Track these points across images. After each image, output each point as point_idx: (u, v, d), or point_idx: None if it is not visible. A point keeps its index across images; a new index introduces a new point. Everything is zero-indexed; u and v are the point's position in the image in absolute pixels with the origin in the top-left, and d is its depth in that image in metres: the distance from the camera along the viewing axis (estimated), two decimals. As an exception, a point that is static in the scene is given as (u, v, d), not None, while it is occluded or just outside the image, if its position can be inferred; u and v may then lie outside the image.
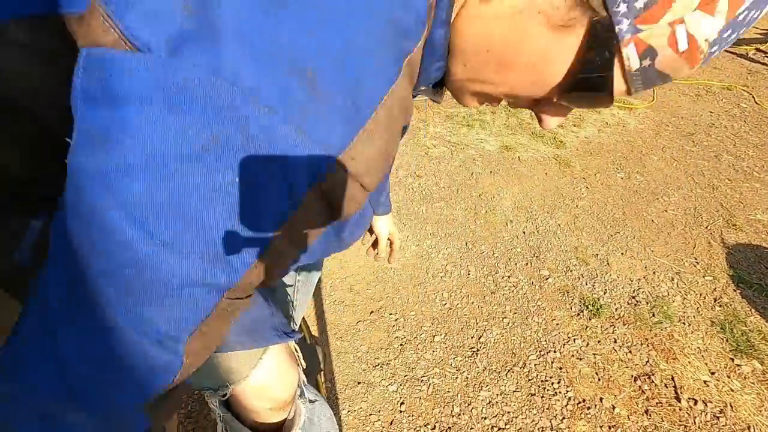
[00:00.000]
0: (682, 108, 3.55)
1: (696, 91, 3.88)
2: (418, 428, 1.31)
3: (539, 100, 0.42)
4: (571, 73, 0.37)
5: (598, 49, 0.34)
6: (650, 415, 1.40)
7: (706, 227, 2.27)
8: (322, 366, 1.29)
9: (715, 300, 1.84)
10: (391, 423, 1.31)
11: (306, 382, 0.82)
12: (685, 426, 1.38)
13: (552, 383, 1.47)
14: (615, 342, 1.62)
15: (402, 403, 1.37)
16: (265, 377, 0.71)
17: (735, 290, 1.89)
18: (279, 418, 0.75)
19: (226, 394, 0.70)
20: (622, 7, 0.32)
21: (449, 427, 1.32)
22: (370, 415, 1.33)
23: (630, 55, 0.34)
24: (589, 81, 0.36)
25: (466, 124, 2.96)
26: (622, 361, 1.56)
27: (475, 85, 0.43)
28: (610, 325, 1.69)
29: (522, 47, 0.36)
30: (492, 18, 0.36)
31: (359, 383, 1.41)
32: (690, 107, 3.57)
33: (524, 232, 2.11)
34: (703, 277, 1.95)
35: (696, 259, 2.05)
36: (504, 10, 0.35)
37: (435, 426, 1.32)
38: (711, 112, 3.53)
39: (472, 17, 0.37)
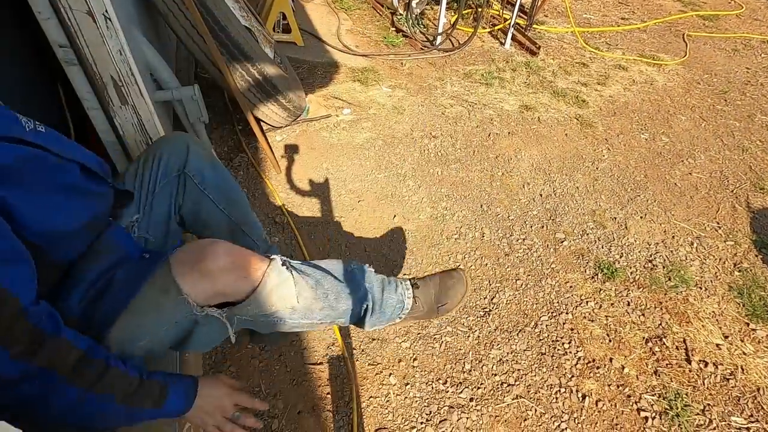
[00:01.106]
0: (716, 64, 3.34)
1: (733, 45, 3.64)
2: (430, 382, 1.36)
3: None
4: None
5: None
6: (659, 376, 1.42)
7: (732, 191, 2.20)
8: None
9: (735, 265, 1.81)
10: (404, 377, 1.37)
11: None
12: (694, 387, 1.40)
13: (563, 343, 1.50)
14: (628, 305, 1.63)
15: (415, 359, 1.42)
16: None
17: (757, 255, 1.85)
18: (253, 281, 0.87)
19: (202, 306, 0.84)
20: None
21: (460, 383, 1.37)
22: (384, 369, 1.39)
23: None
24: None
25: (484, 83, 2.86)
26: (634, 323, 1.57)
27: None
28: (624, 289, 1.69)
29: None
30: None
31: (374, 340, 1.46)
32: (725, 63, 3.36)
33: (541, 195, 2.08)
34: (725, 242, 1.91)
35: (718, 223, 2.00)
36: None
37: (446, 381, 1.37)
38: (748, 68, 3.32)
39: None
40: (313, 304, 0.93)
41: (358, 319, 1.02)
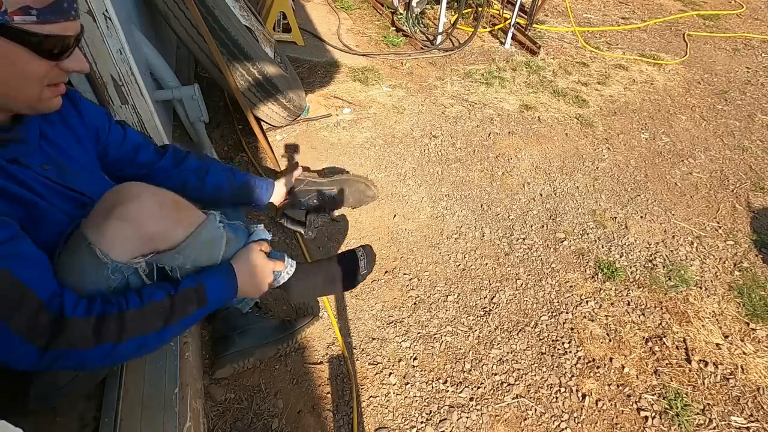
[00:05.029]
0: (716, 63, 3.34)
1: (734, 44, 3.64)
2: (430, 382, 1.36)
3: (49, 75, 0.67)
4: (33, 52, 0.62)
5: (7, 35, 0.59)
6: (659, 375, 1.42)
7: (732, 190, 2.20)
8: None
9: (735, 265, 1.81)
10: (404, 377, 1.37)
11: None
12: (694, 386, 1.40)
13: (563, 343, 1.50)
14: (628, 305, 1.63)
15: (415, 359, 1.42)
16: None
17: (757, 255, 1.85)
18: (187, 228, 0.82)
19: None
20: None
21: (460, 382, 1.37)
22: (385, 368, 1.39)
23: (19, 20, 0.58)
24: (32, 43, 0.61)
25: (485, 83, 2.86)
26: (634, 323, 1.57)
27: (14, 104, 0.68)
28: (625, 288, 1.69)
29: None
30: None
31: (374, 339, 1.46)
32: (726, 63, 3.36)
33: (541, 194, 2.08)
34: (725, 241, 1.91)
35: (718, 223, 2.00)
36: None
37: (447, 380, 1.37)
38: (748, 68, 3.32)
39: None
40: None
41: None
